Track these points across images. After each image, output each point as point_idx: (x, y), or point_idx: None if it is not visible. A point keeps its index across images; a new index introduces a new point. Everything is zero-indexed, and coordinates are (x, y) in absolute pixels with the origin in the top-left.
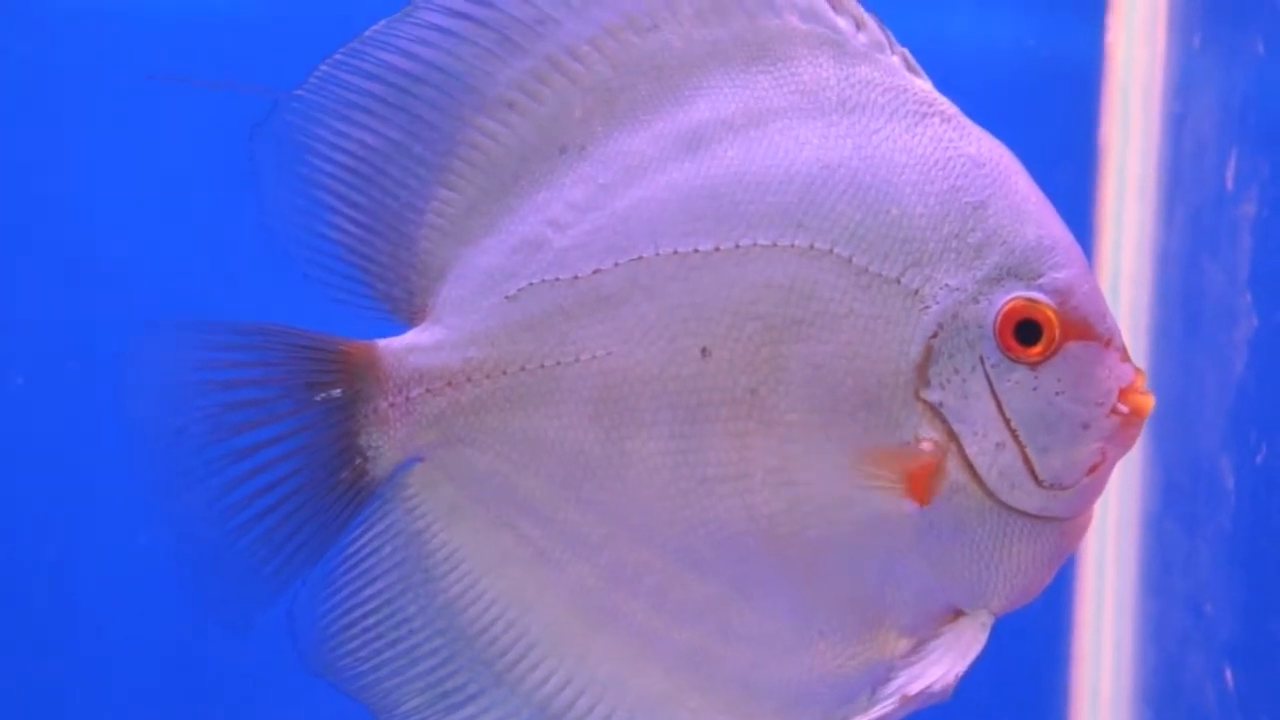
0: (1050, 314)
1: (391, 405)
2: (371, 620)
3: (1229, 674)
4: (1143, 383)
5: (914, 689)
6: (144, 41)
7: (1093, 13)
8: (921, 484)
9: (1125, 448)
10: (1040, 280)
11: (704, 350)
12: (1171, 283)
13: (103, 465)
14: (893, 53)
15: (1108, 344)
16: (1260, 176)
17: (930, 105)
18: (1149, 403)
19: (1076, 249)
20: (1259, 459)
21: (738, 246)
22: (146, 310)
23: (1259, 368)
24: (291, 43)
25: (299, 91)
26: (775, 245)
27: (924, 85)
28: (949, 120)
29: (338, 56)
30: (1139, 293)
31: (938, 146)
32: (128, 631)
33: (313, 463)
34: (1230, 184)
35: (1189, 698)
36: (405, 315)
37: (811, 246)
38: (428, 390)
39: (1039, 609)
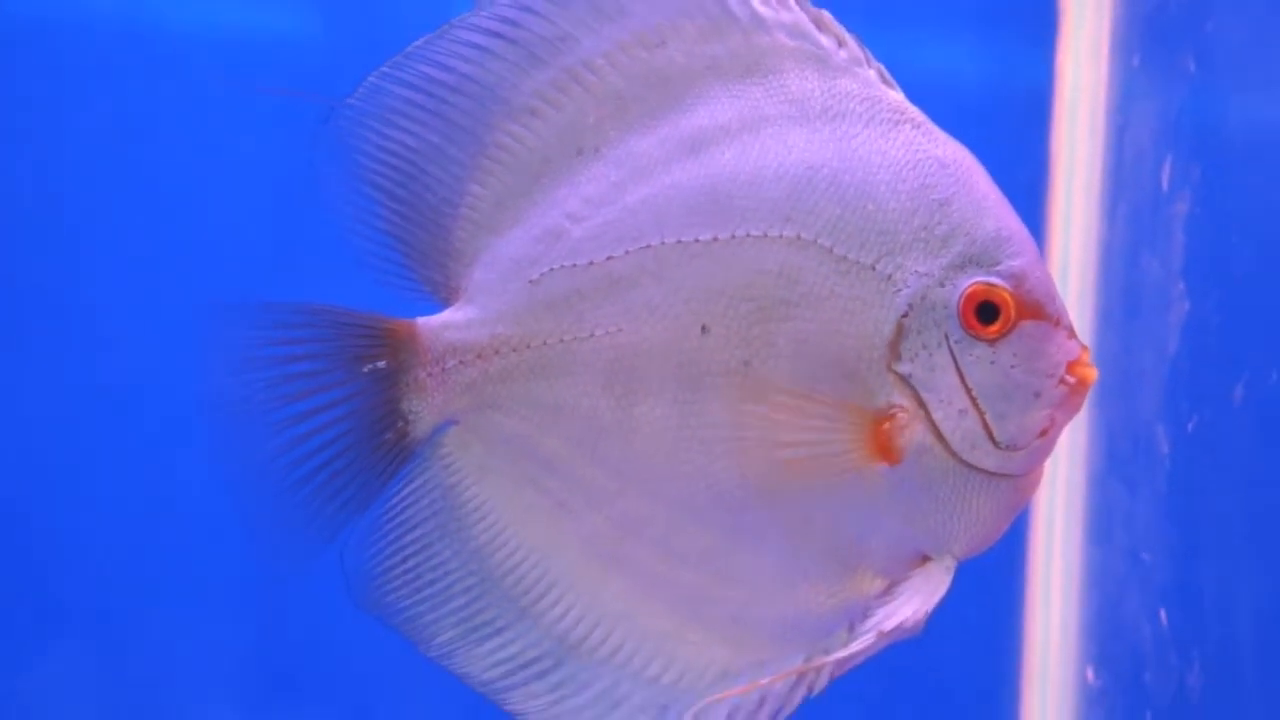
0: (1007, 296)
1: (429, 375)
2: (411, 563)
3: (1163, 614)
4: (1087, 357)
5: (889, 625)
6: (224, 59)
7: (1044, 38)
8: (893, 446)
9: (1072, 414)
10: (998, 267)
11: (703, 328)
12: (1114, 272)
13: (180, 432)
14: (870, 67)
15: (1057, 323)
16: (1192, 179)
17: (902, 114)
18: (1092, 374)
19: (1030, 240)
20: (1190, 427)
21: (733, 236)
22: (218, 294)
23: (1191, 347)
24: (344, 59)
25: (351, 100)
26: (766, 236)
27: (897, 96)
28: (919, 127)
29: (383, 69)
30: (1085, 281)
31: (908, 150)
32: (201, 582)
33: (360, 426)
34: (1166, 186)
35: (1128, 635)
36: (442, 296)
37: (798, 237)
38: (460, 362)
39: (996, 556)
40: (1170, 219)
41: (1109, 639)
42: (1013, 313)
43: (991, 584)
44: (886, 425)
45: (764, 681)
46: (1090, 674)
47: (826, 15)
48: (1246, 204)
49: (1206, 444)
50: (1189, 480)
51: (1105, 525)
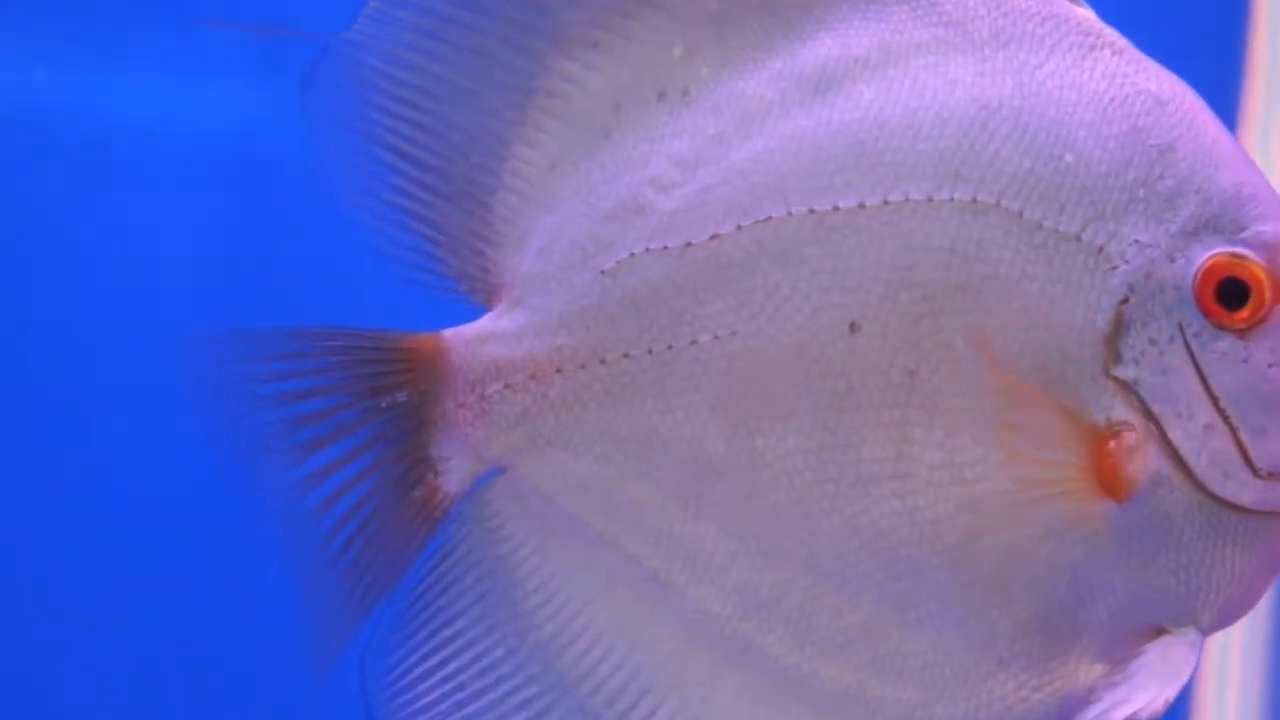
0: (1259, 272)
1: (460, 406)
2: (452, 667)
3: None
4: None
5: (1118, 715)
6: None
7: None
8: (1119, 477)
9: None
10: (1244, 233)
11: (851, 325)
12: None
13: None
14: None
15: None
16: None
17: (1097, 36)
18: None
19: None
20: None
21: (886, 202)
22: (174, 318)
23: None
24: None
25: (348, 34)
26: (931, 200)
27: (1086, 14)
28: (1121, 53)
29: None
30: None
31: (1111, 83)
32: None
33: (384, 483)
34: None
35: None
36: (482, 296)
37: (974, 200)
38: (507, 386)
39: None
40: None
41: None
42: (1267, 294)
43: None
44: (1109, 449)
45: None
46: None
47: None
48: None
49: None
50: None
51: None
